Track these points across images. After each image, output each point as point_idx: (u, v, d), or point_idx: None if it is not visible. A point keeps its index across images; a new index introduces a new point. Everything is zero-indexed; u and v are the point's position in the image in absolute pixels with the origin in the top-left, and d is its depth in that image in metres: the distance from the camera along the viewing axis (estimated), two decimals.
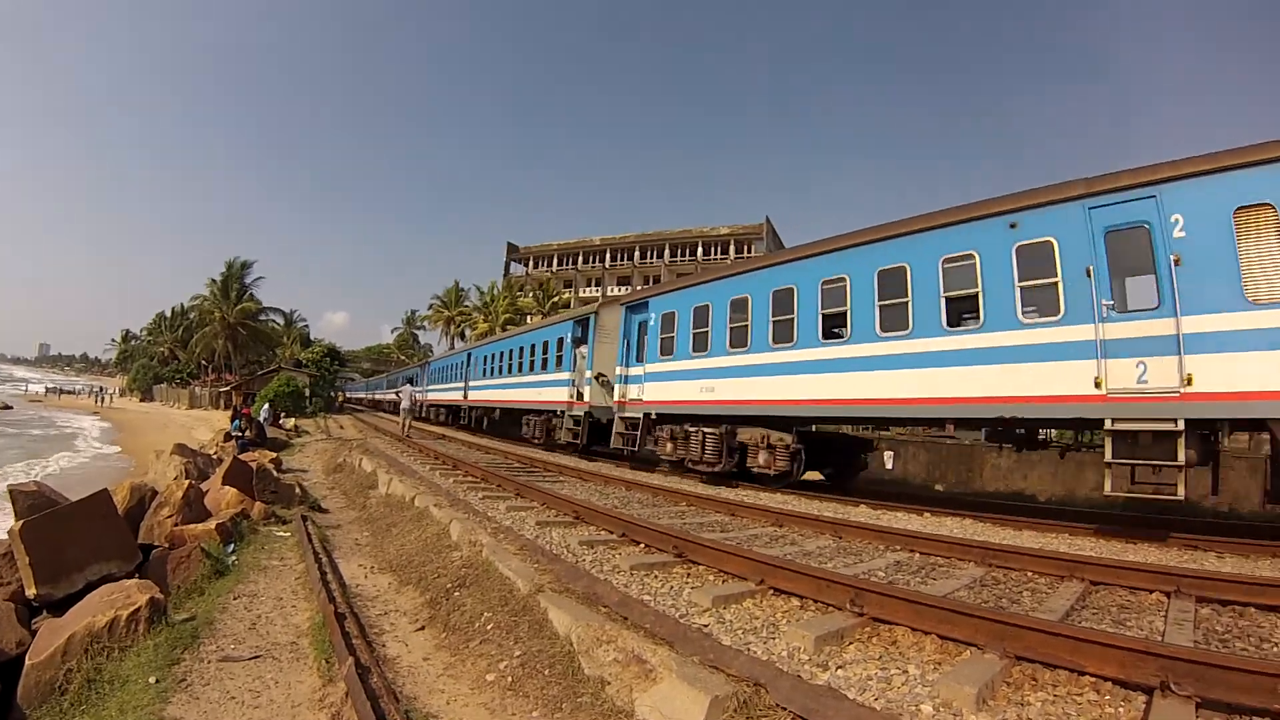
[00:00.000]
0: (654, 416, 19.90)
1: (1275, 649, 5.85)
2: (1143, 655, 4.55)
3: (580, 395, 24.51)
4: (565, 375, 25.77)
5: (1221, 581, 7.44)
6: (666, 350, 19.71)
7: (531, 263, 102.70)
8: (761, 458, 16.04)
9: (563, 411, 25.38)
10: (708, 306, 18.23)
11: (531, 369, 29.63)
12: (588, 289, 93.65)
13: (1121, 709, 4.32)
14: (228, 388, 75.91)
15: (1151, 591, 7.42)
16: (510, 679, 5.60)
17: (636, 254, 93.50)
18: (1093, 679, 4.65)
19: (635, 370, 21.26)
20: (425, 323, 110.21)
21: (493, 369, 35.55)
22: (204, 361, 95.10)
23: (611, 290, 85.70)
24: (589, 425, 23.79)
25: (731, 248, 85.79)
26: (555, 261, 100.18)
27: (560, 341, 26.89)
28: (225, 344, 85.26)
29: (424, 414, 53.49)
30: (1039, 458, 19.03)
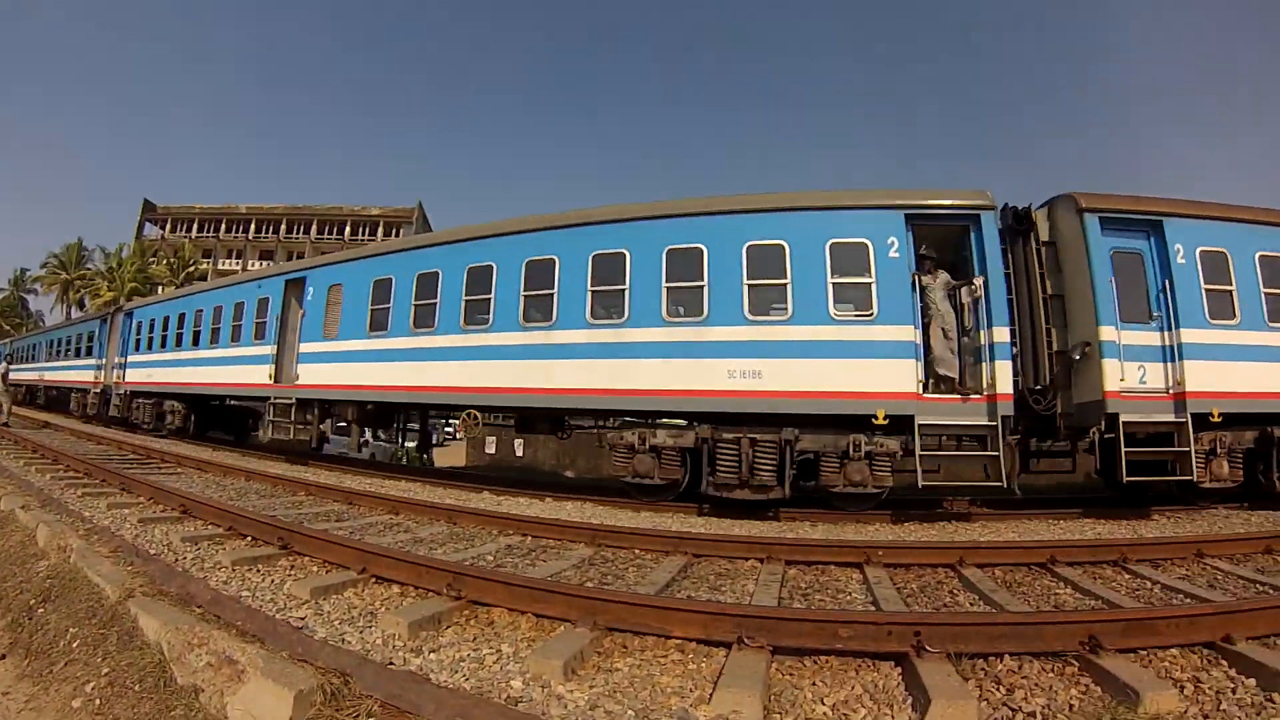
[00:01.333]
0: None
1: (849, 598, 6.54)
2: (720, 616, 4.93)
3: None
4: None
5: (807, 546, 8.36)
6: None
7: (170, 225, 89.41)
8: None
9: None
10: None
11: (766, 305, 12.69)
12: (228, 260, 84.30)
13: (703, 664, 4.63)
14: None
15: (747, 559, 8.13)
16: (99, 701, 4.99)
17: (283, 227, 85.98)
18: (678, 641, 4.93)
19: None
20: (38, 285, 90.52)
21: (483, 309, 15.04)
22: None
23: (253, 265, 77.86)
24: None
25: (380, 230, 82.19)
26: (196, 227, 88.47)
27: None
28: None
29: (125, 409, 28.54)
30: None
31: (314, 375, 18.53)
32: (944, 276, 12.56)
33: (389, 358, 16.57)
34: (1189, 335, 12.00)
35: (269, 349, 20.16)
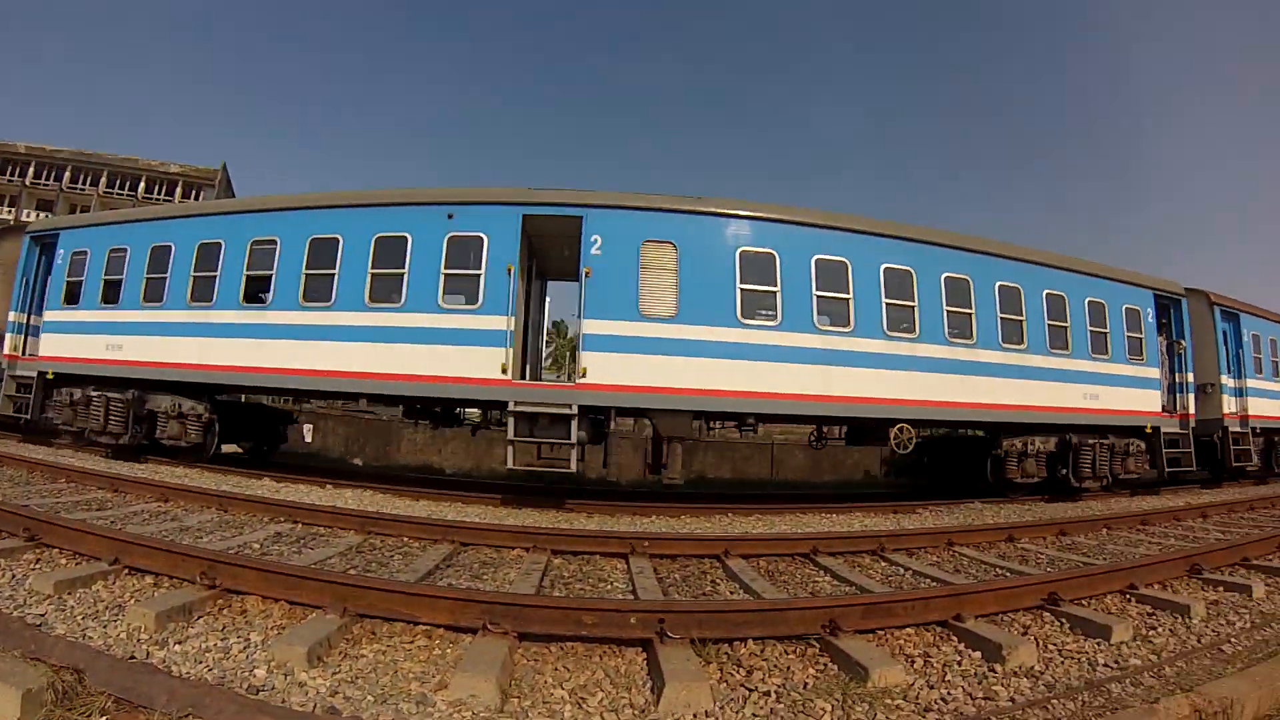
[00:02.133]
0: None
1: (609, 587, 6.72)
2: (467, 603, 5.01)
3: None
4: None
5: (574, 536, 8.60)
6: None
7: None
8: None
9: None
10: None
11: None
12: None
13: (449, 650, 4.71)
14: None
15: (513, 548, 8.24)
16: None
17: (67, 175, 73.38)
18: (426, 627, 4.98)
19: None
20: None
21: None
22: None
23: (29, 215, 65.51)
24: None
25: (180, 190, 73.35)
26: None
27: None
28: None
29: (34, 406, 16.62)
30: (452, 434, 19.39)
31: (627, 372, 12.85)
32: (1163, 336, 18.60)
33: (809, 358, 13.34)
34: (1250, 382, 20.25)
35: (498, 322, 13.15)
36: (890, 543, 9.09)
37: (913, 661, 4.87)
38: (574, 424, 12.35)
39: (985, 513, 13.37)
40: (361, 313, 13.51)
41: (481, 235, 13.31)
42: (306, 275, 14.00)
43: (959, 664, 4.85)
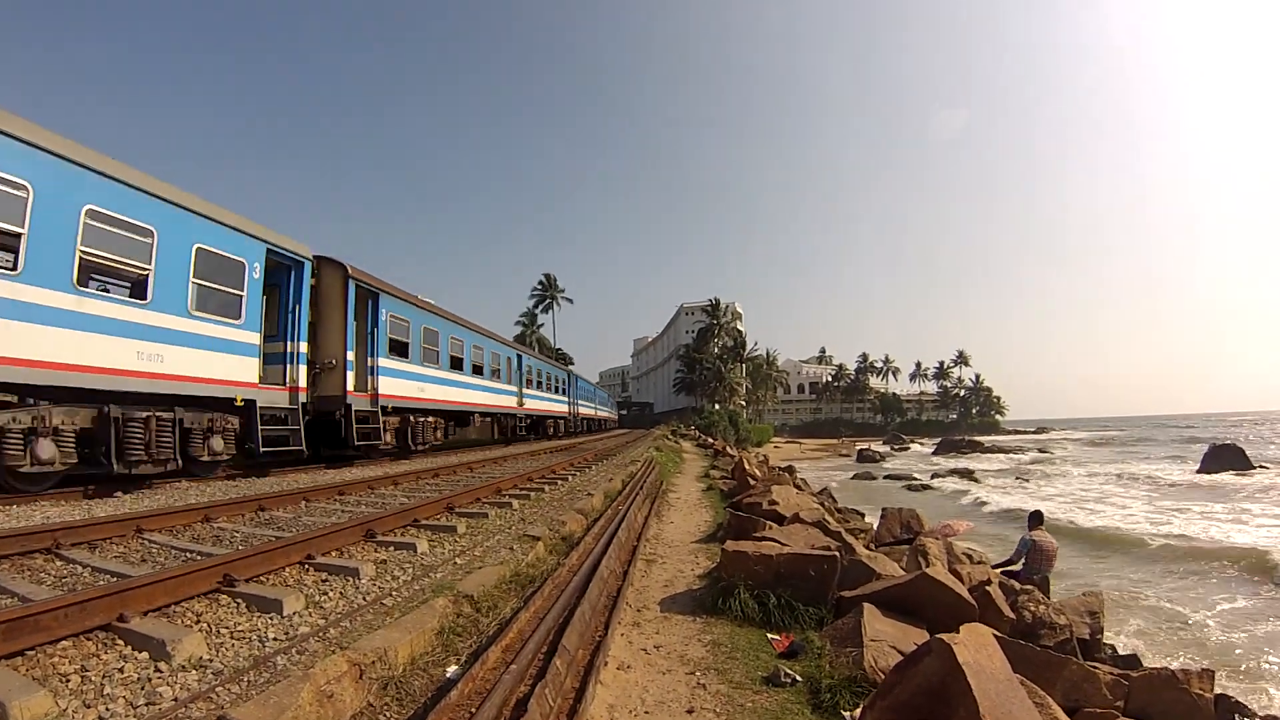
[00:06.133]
0: None
1: None
2: None
3: None
4: None
5: None
6: None
7: None
8: None
9: None
10: None
11: None
12: None
13: None
14: None
15: None
16: None
17: None
18: None
19: None
20: None
21: None
22: None
23: None
24: None
25: None
26: None
27: None
28: None
29: None
30: None
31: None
32: None
33: None
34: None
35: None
36: (69, 537, 7.91)
37: (67, 681, 4.19)
38: None
39: (190, 493, 12.66)
40: None
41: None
42: None
43: (121, 671, 4.33)
